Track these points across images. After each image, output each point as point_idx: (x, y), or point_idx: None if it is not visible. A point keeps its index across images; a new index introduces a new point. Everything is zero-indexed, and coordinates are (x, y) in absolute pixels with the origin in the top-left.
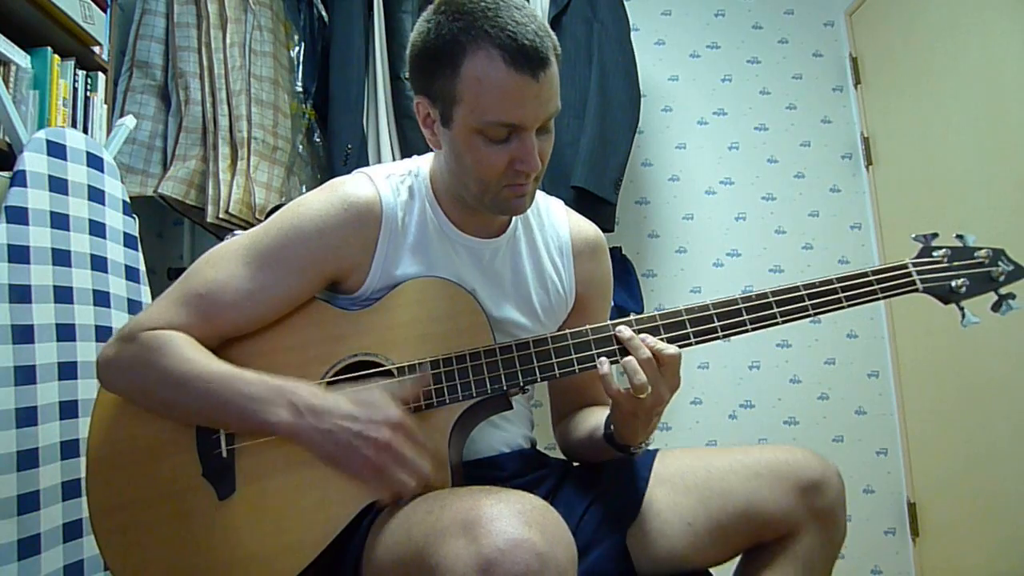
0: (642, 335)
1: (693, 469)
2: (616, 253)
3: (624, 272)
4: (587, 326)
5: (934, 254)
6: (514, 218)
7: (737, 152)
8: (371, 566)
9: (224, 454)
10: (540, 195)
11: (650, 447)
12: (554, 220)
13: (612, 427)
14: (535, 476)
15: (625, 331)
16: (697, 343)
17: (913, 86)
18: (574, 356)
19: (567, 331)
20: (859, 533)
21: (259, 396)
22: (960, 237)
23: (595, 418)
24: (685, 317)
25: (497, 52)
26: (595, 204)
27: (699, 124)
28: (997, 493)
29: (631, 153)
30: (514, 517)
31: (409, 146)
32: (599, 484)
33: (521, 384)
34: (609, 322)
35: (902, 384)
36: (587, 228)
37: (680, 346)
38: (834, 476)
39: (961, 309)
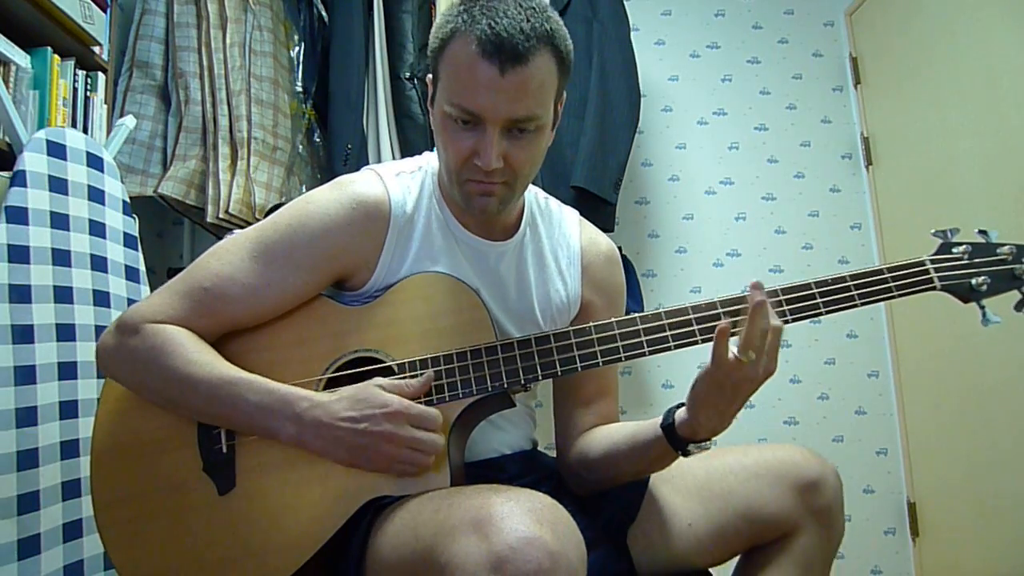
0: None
1: (693, 470)
2: None
3: (624, 272)
4: (591, 323)
5: (954, 250)
6: (523, 224)
7: (737, 152)
8: (375, 564)
9: (224, 450)
10: (555, 204)
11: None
12: (566, 230)
13: (676, 416)
14: (536, 477)
15: (757, 294)
16: (703, 342)
17: (913, 86)
18: (576, 353)
19: (570, 328)
20: (859, 533)
21: (265, 406)
22: (983, 232)
23: (629, 426)
24: (692, 315)
25: (473, 37)
26: (595, 204)
27: (699, 124)
28: (997, 493)
29: (631, 153)
30: (525, 515)
31: (409, 146)
32: None
33: (523, 382)
34: (613, 320)
35: (902, 384)
36: (601, 241)
37: (686, 346)
38: (832, 475)
39: (982, 308)
